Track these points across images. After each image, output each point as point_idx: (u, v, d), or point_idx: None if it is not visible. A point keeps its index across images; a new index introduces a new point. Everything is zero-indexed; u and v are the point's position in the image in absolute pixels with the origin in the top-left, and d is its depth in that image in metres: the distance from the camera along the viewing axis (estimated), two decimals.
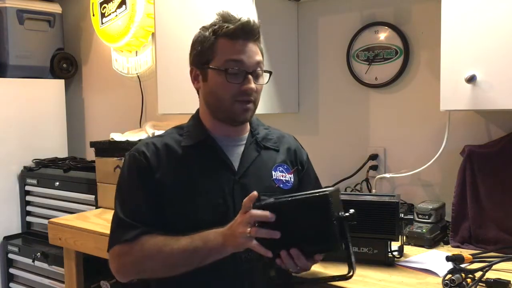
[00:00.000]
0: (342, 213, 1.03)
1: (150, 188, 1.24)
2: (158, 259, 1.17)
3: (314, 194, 1.01)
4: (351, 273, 1.05)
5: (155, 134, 2.42)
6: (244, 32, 1.23)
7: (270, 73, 1.31)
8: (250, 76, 1.23)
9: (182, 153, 1.28)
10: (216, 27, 1.24)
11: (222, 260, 1.15)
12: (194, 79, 1.31)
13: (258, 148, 1.33)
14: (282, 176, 1.32)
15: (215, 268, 1.19)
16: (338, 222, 1.01)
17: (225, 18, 1.25)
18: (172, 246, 1.15)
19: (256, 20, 1.26)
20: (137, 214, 1.22)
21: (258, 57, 1.25)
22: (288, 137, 1.44)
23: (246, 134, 1.35)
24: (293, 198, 1.03)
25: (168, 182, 1.24)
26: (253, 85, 1.23)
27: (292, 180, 1.34)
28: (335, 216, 0.99)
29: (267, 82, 1.30)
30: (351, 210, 1.03)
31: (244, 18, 1.24)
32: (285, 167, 1.34)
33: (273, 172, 1.31)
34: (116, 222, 1.25)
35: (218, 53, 1.24)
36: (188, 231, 1.16)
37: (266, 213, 1.03)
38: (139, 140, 2.39)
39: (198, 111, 1.36)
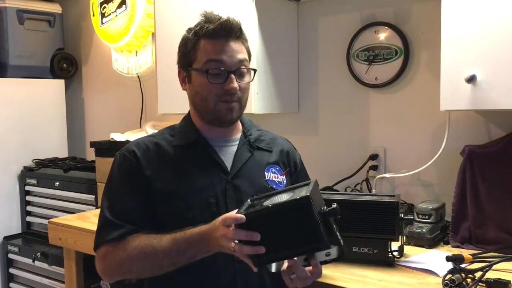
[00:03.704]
0: (324, 207, 1.02)
1: (140, 188, 1.23)
2: (142, 260, 1.16)
3: (295, 198, 0.99)
4: (342, 255, 1.05)
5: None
6: (224, 31, 1.22)
7: (255, 70, 1.29)
8: (232, 76, 1.22)
9: (173, 153, 1.27)
10: (198, 28, 1.25)
11: (215, 259, 1.15)
12: (182, 81, 1.31)
13: (251, 149, 1.32)
14: (275, 177, 1.31)
15: (208, 266, 1.19)
16: (322, 218, 1.00)
17: (207, 18, 1.25)
18: (155, 247, 1.14)
19: (247, 21, 1.26)
20: (124, 214, 1.21)
21: (241, 55, 1.24)
22: (281, 139, 1.44)
23: (239, 135, 1.34)
24: (274, 204, 1.01)
25: (159, 181, 1.23)
26: (235, 85, 1.22)
27: (285, 181, 1.34)
28: (318, 215, 0.98)
29: (252, 80, 1.28)
30: (334, 205, 1.02)
31: (224, 17, 1.24)
32: (278, 168, 1.34)
33: (266, 173, 1.31)
34: (102, 222, 1.23)
35: (199, 54, 1.24)
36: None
37: (251, 233, 0.99)
38: None
39: (189, 112, 1.36)
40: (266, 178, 1.30)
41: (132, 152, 1.26)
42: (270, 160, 1.34)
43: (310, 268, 1.07)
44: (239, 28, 1.25)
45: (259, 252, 0.99)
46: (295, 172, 1.40)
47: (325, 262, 1.07)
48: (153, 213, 1.23)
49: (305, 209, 0.97)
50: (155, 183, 1.23)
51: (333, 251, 1.06)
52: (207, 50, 1.23)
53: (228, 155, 1.30)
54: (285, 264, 1.09)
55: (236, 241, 1.01)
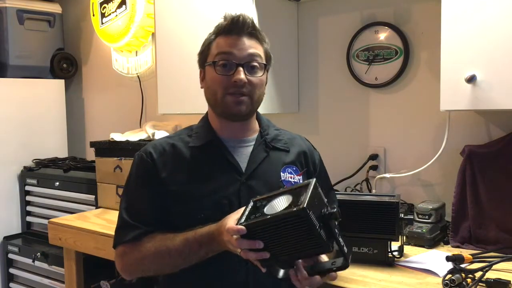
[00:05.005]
0: (325, 210, 1.02)
1: (155, 189, 1.26)
2: (157, 260, 1.20)
3: (291, 210, 0.98)
4: (346, 263, 1.06)
5: (155, 135, 2.42)
6: (235, 27, 1.24)
7: (265, 65, 1.29)
8: (240, 68, 1.22)
9: (189, 154, 1.29)
10: (215, 28, 1.28)
11: (227, 259, 1.17)
12: (201, 80, 1.33)
13: (266, 149, 1.32)
14: (291, 178, 1.30)
15: (222, 270, 1.22)
16: (322, 223, 1.00)
17: (224, 18, 1.27)
18: (169, 247, 1.17)
19: (251, 16, 1.27)
20: (140, 215, 1.25)
21: (252, 50, 1.25)
22: (300, 139, 1.43)
23: (255, 135, 1.34)
24: (273, 215, 1.01)
25: (173, 182, 1.25)
26: (242, 76, 1.22)
27: (301, 182, 1.32)
28: (317, 222, 0.98)
29: (262, 75, 1.27)
30: (334, 209, 1.02)
31: (237, 13, 1.26)
32: (294, 168, 1.33)
33: (282, 173, 1.30)
34: (119, 222, 1.28)
35: (212, 50, 1.27)
36: None
37: (254, 243, 1.01)
38: (139, 140, 2.41)
39: (207, 112, 1.37)
40: (282, 178, 1.29)
41: (149, 154, 1.29)
42: (286, 160, 1.33)
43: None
44: (251, 25, 1.26)
45: (263, 258, 1.01)
46: (315, 172, 1.38)
47: (331, 271, 1.08)
48: (168, 213, 1.25)
49: (303, 220, 0.97)
50: (169, 185, 1.25)
51: (339, 260, 1.07)
52: (219, 45, 1.25)
53: (243, 155, 1.30)
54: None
55: None
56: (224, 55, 1.23)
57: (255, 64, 1.25)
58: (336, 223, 1.02)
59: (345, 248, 1.04)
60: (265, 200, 1.08)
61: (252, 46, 1.25)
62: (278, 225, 1.00)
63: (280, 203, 1.04)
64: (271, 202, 1.06)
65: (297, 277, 1.06)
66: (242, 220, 1.03)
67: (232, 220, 1.06)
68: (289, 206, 1.01)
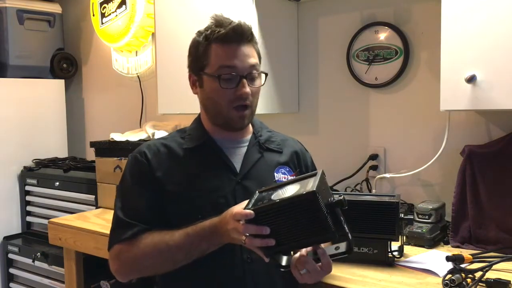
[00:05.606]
0: (332, 198, 1.03)
1: (151, 188, 1.25)
2: (156, 256, 1.18)
3: (301, 193, 0.99)
4: (350, 250, 1.06)
5: (155, 135, 2.42)
6: (236, 36, 1.22)
7: (266, 74, 1.30)
8: (244, 80, 1.23)
9: (183, 155, 1.29)
10: (209, 32, 1.25)
11: (226, 260, 1.17)
12: (193, 84, 1.32)
13: (260, 150, 1.33)
14: (284, 178, 1.31)
15: (219, 268, 1.21)
16: (330, 210, 1.01)
17: (218, 22, 1.25)
18: (168, 242, 1.16)
19: (248, 22, 1.26)
20: (136, 213, 1.24)
21: (252, 60, 1.24)
22: (292, 140, 1.44)
23: (249, 136, 1.35)
24: (282, 199, 1.02)
25: (168, 183, 1.25)
26: (247, 89, 1.23)
27: None
28: (325, 208, 0.99)
29: (263, 84, 1.29)
30: (341, 196, 1.03)
31: (235, 21, 1.24)
32: (287, 169, 1.34)
33: (275, 174, 1.31)
34: (115, 222, 1.26)
35: (211, 59, 1.24)
36: None
37: (261, 228, 1.01)
38: (139, 140, 2.41)
39: (199, 114, 1.37)
40: (276, 178, 1.30)
41: (143, 154, 1.29)
42: (280, 161, 1.34)
43: (320, 264, 1.08)
44: (250, 33, 1.25)
45: (269, 245, 1.01)
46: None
47: (335, 256, 1.08)
48: (165, 213, 1.25)
49: (312, 203, 0.98)
50: (166, 185, 1.25)
51: (342, 245, 1.08)
52: (219, 55, 1.23)
53: (237, 156, 1.30)
54: (297, 254, 1.10)
55: (247, 234, 1.03)
56: (228, 69, 1.22)
57: (256, 74, 1.26)
58: (340, 212, 1.03)
59: (350, 235, 1.04)
60: (271, 190, 1.09)
61: (251, 55, 1.25)
62: (286, 209, 1.01)
63: (288, 191, 1.05)
64: (278, 191, 1.07)
65: (299, 271, 1.07)
66: (249, 206, 1.04)
67: (238, 208, 1.06)
68: (298, 191, 1.02)
